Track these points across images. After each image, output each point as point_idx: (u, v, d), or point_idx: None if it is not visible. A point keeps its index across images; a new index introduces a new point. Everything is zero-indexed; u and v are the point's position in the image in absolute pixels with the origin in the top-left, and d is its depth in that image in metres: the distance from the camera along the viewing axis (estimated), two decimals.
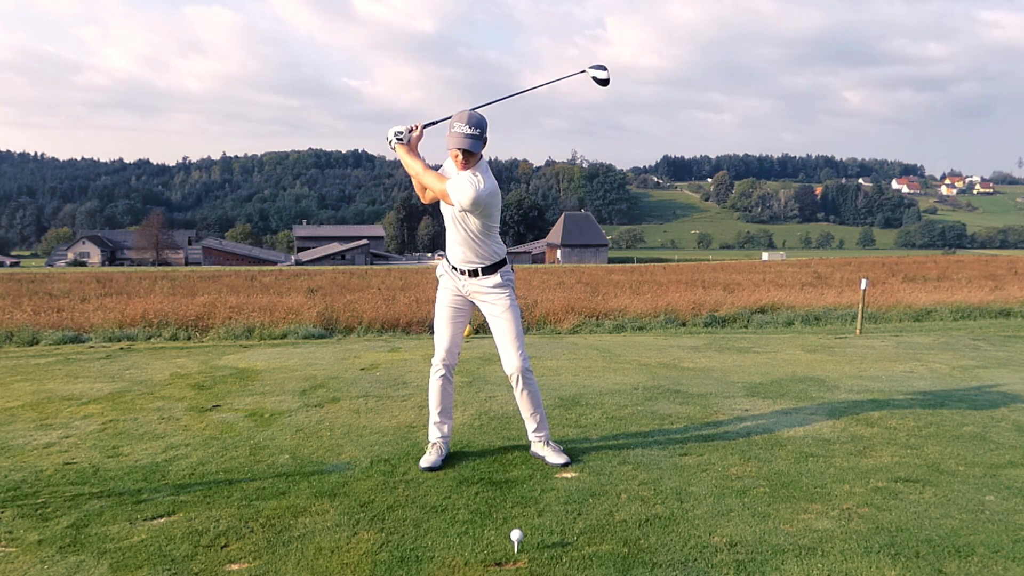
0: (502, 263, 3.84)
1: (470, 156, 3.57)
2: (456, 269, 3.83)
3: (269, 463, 3.85)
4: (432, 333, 4.05)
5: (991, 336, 9.75)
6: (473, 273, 3.79)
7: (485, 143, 3.61)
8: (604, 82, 4.05)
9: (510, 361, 3.80)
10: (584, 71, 4.04)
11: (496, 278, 3.80)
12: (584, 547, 2.83)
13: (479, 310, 3.91)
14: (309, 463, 3.86)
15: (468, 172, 3.60)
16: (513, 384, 3.85)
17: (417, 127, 3.80)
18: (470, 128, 3.54)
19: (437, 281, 3.98)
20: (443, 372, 3.87)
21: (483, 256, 3.77)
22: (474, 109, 3.67)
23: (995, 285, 20.63)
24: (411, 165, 3.77)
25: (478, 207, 3.60)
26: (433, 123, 3.85)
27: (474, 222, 3.67)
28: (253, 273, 35.61)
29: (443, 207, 3.77)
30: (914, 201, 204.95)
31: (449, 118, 3.66)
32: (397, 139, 3.77)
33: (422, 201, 4.00)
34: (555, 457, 3.84)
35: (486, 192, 3.58)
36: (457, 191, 3.57)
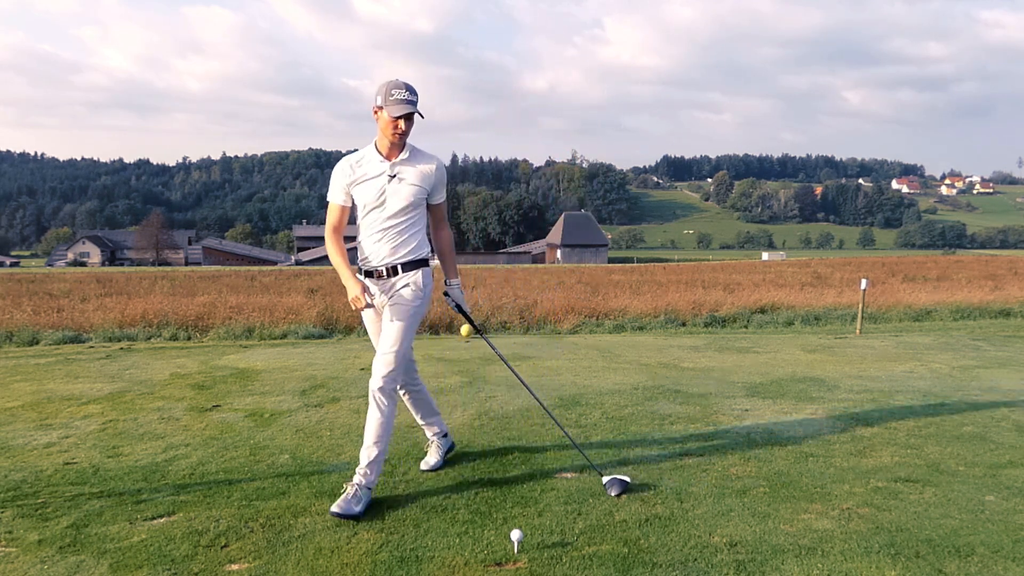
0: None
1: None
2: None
3: (269, 463, 3.85)
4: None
5: (991, 336, 9.75)
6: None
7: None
8: None
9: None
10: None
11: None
12: (584, 547, 2.83)
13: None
14: (309, 463, 3.86)
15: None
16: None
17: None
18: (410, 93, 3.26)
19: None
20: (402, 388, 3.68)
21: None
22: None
23: (995, 285, 20.63)
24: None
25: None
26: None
27: None
28: (253, 273, 35.60)
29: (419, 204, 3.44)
30: (914, 201, 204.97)
31: None
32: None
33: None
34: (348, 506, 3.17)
35: None
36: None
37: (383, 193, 3.32)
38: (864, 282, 11.05)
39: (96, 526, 3.04)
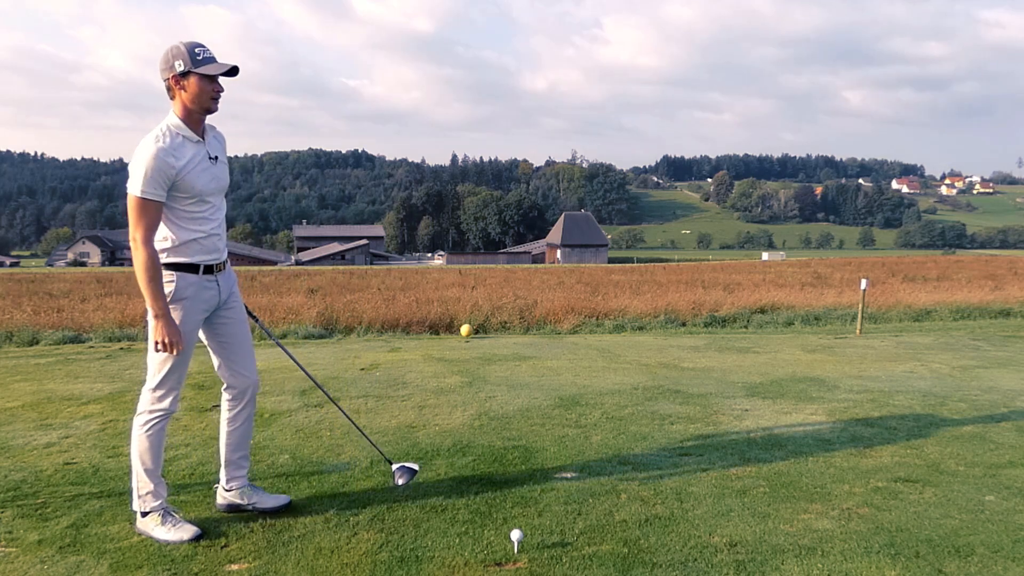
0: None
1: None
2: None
3: (269, 463, 3.85)
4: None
5: (991, 336, 9.75)
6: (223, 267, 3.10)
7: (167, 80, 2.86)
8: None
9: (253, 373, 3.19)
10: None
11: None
12: (584, 547, 2.83)
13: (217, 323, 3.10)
14: (309, 463, 3.86)
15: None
16: (245, 402, 3.17)
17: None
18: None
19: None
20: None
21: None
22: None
23: (995, 285, 20.63)
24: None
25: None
26: None
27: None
28: (253, 273, 35.56)
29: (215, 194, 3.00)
30: (914, 201, 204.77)
31: None
32: None
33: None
34: (270, 499, 3.20)
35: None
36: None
37: (213, 178, 2.92)
38: (864, 282, 11.04)
39: (96, 526, 3.04)
